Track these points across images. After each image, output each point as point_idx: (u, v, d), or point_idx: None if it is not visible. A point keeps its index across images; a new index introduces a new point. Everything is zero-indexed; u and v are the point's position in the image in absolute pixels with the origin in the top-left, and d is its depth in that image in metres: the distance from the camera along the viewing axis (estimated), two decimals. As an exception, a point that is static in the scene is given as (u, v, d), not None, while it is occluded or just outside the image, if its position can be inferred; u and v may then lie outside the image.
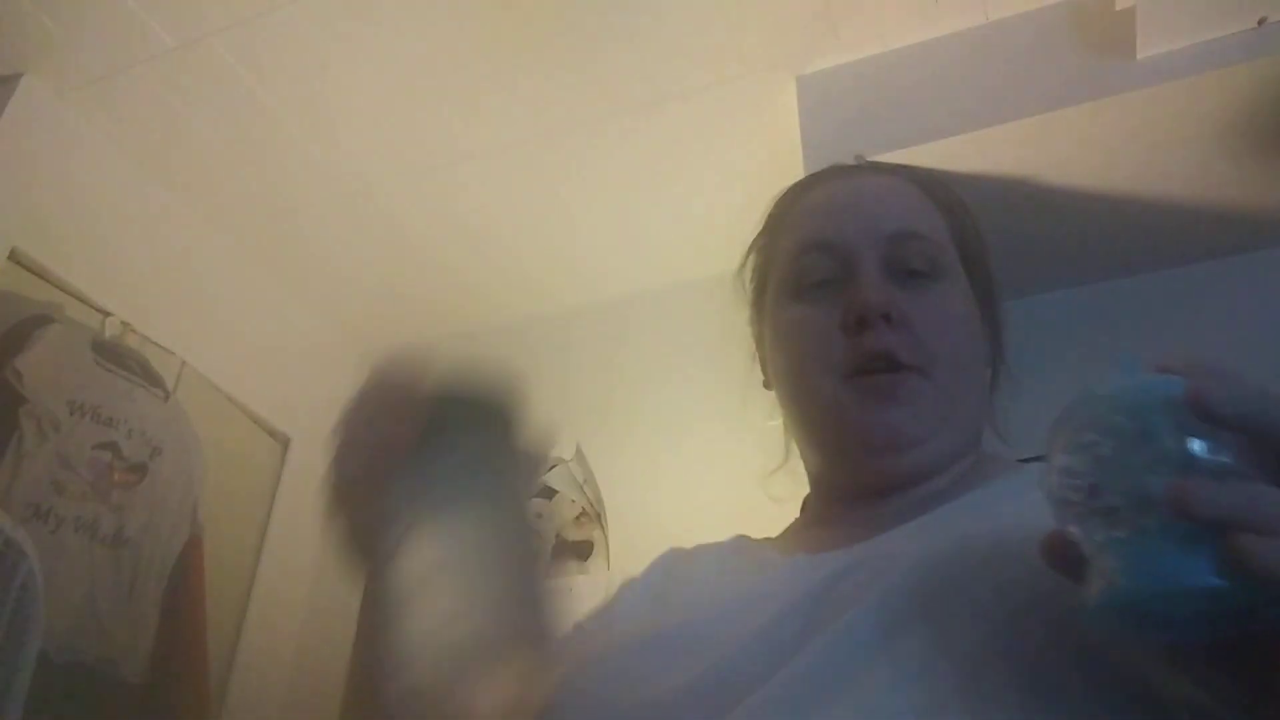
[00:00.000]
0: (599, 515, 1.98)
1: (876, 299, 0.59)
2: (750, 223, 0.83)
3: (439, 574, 0.44)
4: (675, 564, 0.67)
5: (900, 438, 0.60)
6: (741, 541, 0.68)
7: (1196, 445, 0.34)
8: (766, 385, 0.74)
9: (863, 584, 0.47)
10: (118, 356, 1.83)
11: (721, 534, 0.71)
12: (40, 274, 1.74)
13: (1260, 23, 1.39)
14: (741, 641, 0.48)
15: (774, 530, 0.74)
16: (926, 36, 1.66)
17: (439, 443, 0.44)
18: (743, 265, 0.77)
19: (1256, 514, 0.31)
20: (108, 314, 1.84)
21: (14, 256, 1.68)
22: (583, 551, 1.94)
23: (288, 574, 2.16)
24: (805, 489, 0.74)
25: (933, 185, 0.72)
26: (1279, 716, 0.33)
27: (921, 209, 0.67)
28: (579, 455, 2.07)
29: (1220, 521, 0.31)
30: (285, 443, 2.24)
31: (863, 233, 0.63)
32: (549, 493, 2.05)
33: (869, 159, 1.61)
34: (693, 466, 1.90)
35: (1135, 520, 0.33)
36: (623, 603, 0.65)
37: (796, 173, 1.63)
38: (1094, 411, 0.36)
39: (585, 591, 1.88)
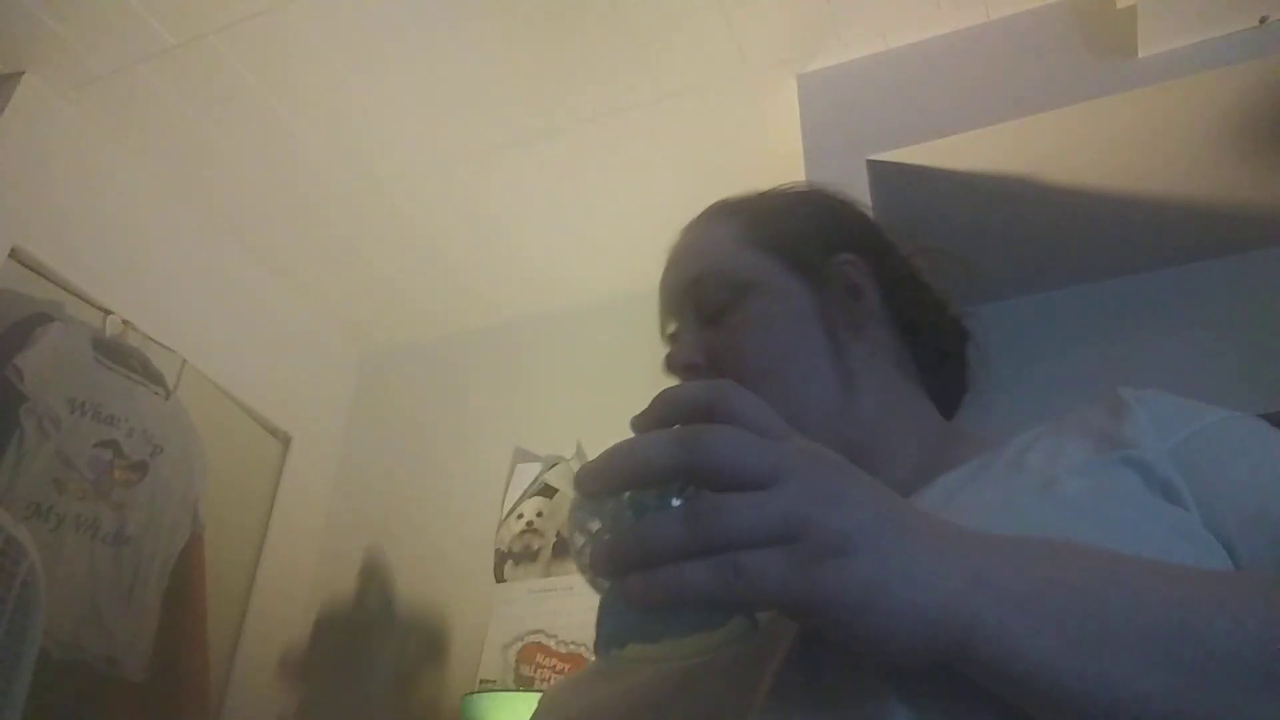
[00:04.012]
0: (599, 514, 1.98)
1: (673, 359, 0.65)
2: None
3: None
4: None
5: None
6: None
7: (610, 509, 0.37)
8: None
9: None
10: (118, 354, 1.83)
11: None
12: (41, 272, 1.74)
13: (1262, 21, 1.39)
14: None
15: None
16: (927, 35, 1.66)
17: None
18: None
19: (636, 553, 0.34)
20: (109, 312, 1.84)
21: (15, 254, 1.69)
22: (583, 550, 1.94)
23: (289, 572, 2.17)
24: None
25: (745, 204, 0.72)
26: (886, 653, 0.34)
27: (712, 245, 0.69)
28: (579, 453, 2.07)
29: (613, 573, 0.34)
30: (286, 441, 2.24)
31: (671, 297, 0.69)
32: (549, 491, 2.05)
33: (869, 157, 1.61)
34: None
35: (601, 589, 0.37)
36: None
37: (798, 171, 1.63)
38: None
39: (587, 590, 1.88)
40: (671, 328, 0.70)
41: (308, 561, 2.23)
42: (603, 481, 0.36)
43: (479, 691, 1.68)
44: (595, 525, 0.37)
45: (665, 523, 0.34)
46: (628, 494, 0.36)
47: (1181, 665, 0.33)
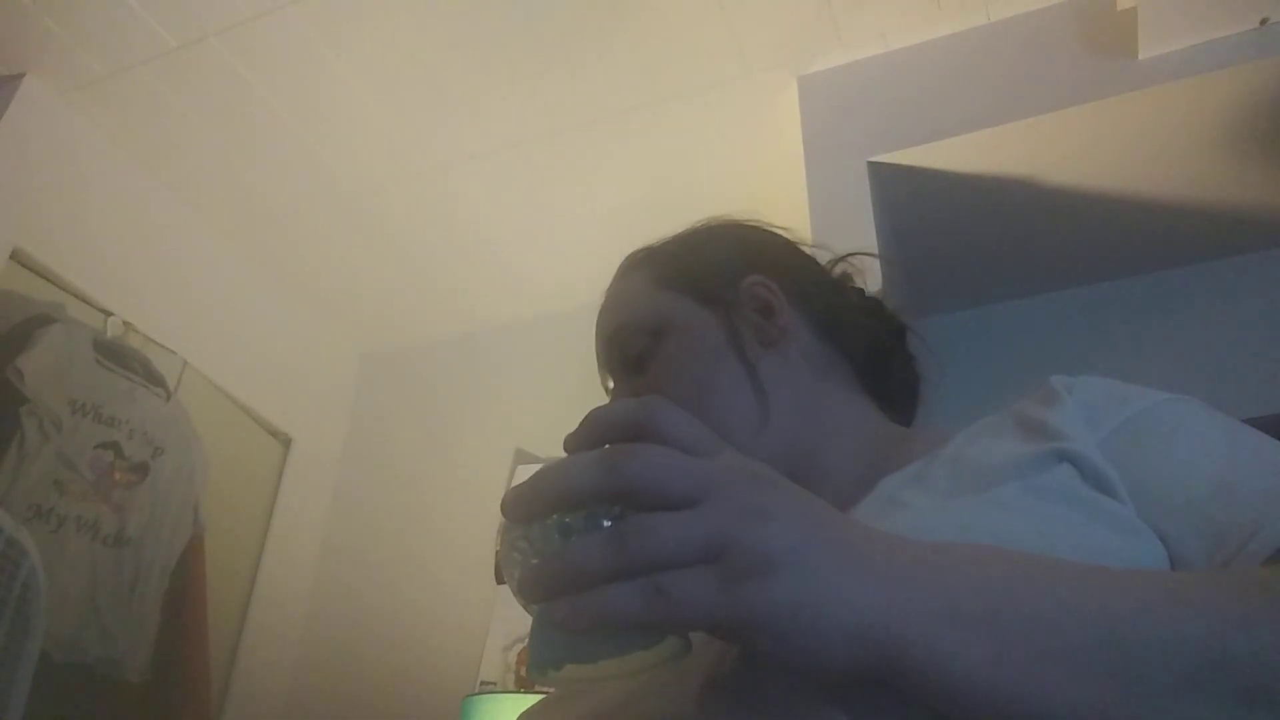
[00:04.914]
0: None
1: None
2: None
3: None
4: None
5: None
6: None
7: (540, 533, 0.36)
8: None
9: None
10: (119, 356, 1.83)
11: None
12: (42, 274, 1.74)
13: (1262, 23, 1.39)
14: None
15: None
16: (928, 37, 1.66)
17: None
18: None
19: (561, 578, 0.33)
20: (109, 314, 1.84)
21: (16, 256, 1.69)
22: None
23: (289, 573, 2.17)
24: None
25: (654, 251, 0.74)
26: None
27: (626, 297, 0.71)
28: (580, 455, 2.07)
29: (541, 598, 0.34)
30: (286, 442, 2.24)
31: (601, 354, 0.71)
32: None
33: (869, 159, 1.61)
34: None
35: (533, 613, 0.36)
36: None
37: (798, 172, 1.63)
38: None
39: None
40: (610, 384, 0.71)
41: (308, 563, 2.23)
42: (528, 506, 0.36)
43: (479, 693, 1.68)
44: (523, 549, 0.37)
45: (589, 546, 0.33)
46: (554, 517, 0.36)
47: (1112, 674, 0.33)
